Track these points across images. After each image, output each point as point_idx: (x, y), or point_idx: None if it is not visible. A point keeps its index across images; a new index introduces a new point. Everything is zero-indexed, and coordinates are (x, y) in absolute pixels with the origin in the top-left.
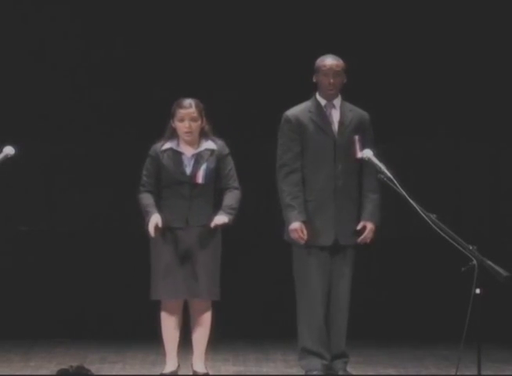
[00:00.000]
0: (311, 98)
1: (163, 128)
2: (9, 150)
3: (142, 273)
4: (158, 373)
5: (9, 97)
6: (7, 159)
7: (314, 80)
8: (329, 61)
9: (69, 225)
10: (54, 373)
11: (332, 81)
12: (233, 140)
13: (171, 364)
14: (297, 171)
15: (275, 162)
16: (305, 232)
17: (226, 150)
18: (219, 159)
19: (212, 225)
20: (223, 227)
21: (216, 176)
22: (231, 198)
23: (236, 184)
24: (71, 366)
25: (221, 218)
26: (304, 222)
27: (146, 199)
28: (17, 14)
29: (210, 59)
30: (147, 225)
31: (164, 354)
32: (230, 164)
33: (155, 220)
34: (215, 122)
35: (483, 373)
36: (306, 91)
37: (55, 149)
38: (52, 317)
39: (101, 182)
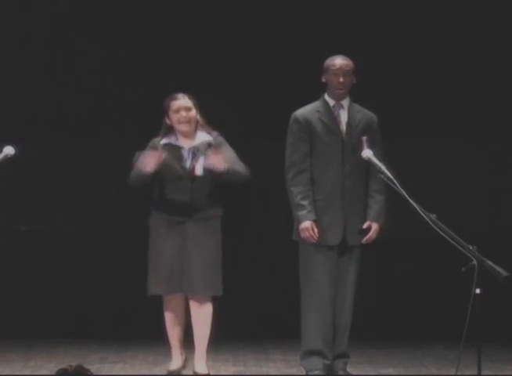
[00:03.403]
0: (320, 98)
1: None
2: (9, 150)
3: (142, 273)
4: (158, 373)
5: (9, 97)
6: (7, 159)
7: (323, 80)
8: (338, 61)
9: (69, 225)
10: (54, 373)
11: (342, 80)
12: (240, 141)
13: (175, 361)
14: (306, 170)
15: (284, 162)
16: (316, 230)
17: (221, 139)
18: (216, 148)
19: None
20: (219, 172)
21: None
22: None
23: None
24: (71, 366)
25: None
26: (314, 221)
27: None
28: (18, 16)
29: (218, 59)
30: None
31: (167, 352)
32: (229, 149)
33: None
34: (223, 124)
35: (483, 373)
36: (314, 92)
37: (55, 149)
38: (52, 317)
39: (101, 182)
